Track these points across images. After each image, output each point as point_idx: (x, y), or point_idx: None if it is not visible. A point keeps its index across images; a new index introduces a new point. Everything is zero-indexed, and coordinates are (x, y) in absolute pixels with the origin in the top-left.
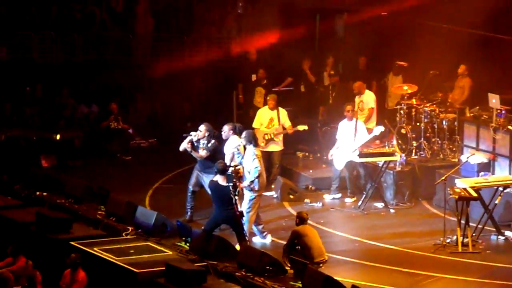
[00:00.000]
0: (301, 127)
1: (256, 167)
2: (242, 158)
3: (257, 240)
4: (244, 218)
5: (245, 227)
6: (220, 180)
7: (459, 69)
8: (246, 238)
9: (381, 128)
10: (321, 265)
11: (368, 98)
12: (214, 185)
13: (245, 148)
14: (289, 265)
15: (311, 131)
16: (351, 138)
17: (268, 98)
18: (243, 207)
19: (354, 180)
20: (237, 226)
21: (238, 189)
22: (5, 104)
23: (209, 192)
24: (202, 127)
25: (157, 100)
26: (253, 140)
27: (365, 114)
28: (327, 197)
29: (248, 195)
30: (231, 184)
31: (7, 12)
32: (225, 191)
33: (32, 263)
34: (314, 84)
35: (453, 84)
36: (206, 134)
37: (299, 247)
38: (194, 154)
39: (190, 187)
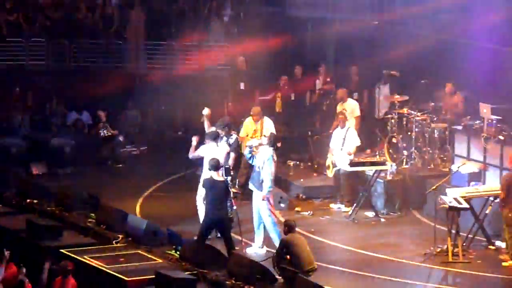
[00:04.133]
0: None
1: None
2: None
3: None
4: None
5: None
6: (215, 175)
7: (446, 88)
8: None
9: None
10: (310, 273)
11: (353, 106)
12: (209, 181)
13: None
14: (279, 273)
15: (302, 139)
16: (339, 147)
17: (251, 111)
18: (263, 214)
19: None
20: (226, 231)
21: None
22: None
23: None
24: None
25: (149, 108)
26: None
27: (350, 123)
28: (334, 207)
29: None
30: (229, 177)
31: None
32: (221, 185)
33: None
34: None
35: (443, 95)
36: (223, 129)
37: (288, 256)
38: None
39: None
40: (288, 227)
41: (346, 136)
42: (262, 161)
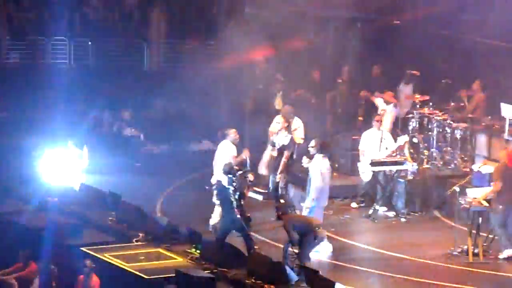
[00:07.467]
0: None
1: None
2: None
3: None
4: None
5: None
6: (224, 181)
7: (474, 84)
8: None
9: (405, 138)
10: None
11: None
12: (219, 185)
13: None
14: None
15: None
16: (377, 148)
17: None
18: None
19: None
20: (242, 230)
21: (239, 193)
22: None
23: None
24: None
25: (170, 107)
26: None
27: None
28: (354, 205)
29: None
30: (231, 187)
31: (20, 17)
32: (226, 192)
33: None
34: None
35: (465, 94)
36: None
37: (297, 231)
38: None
39: None
40: (282, 209)
41: (384, 137)
42: (313, 171)
